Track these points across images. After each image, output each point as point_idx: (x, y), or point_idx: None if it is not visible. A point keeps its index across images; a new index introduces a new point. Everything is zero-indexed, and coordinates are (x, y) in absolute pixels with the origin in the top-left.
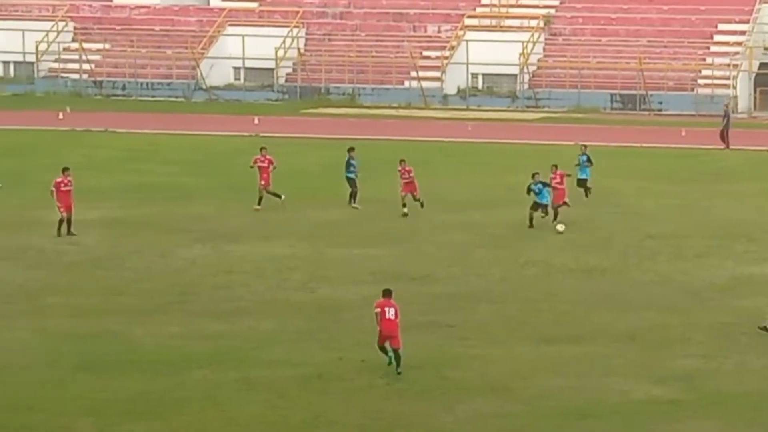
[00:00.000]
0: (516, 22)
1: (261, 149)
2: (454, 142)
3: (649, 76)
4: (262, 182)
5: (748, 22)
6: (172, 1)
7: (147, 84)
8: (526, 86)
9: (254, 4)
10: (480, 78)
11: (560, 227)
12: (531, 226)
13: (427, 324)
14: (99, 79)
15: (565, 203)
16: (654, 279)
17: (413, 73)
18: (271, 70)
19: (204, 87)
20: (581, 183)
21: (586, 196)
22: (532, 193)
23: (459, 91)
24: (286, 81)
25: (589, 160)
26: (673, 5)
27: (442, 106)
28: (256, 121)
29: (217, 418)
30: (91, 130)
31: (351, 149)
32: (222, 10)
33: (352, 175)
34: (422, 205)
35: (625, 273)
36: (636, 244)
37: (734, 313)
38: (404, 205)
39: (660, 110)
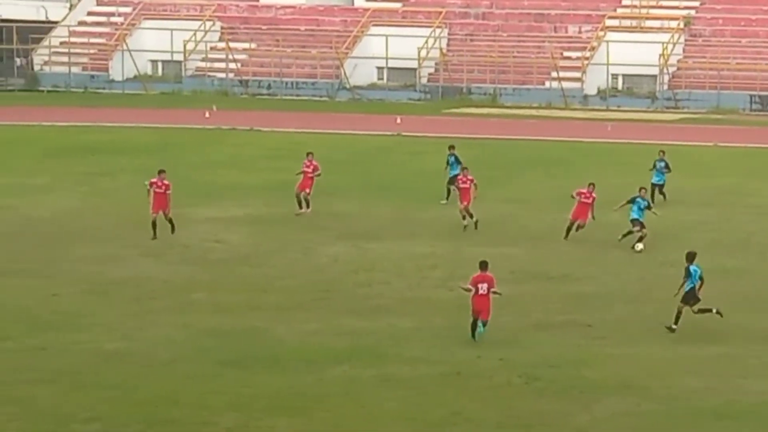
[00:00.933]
0: (656, 23)
1: (308, 154)
2: (593, 143)
3: None
4: (307, 189)
5: None
6: (317, 1)
7: (292, 83)
8: (665, 87)
9: (398, 5)
10: (620, 78)
11: (639, 246)
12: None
13: (565, 323)
14: (245, 78)
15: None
16: None
17: (554, 74)
18: (414, 69)
19: (347, 86)
20: (655, 187)
21: (664, 198)
22: (632, 205)
23: (599, 91)
24: (428, 81)
25: (667, 166)
26: None
27: (582, 106)
28: (399, 121)
29: (356, 414)
30: (237, 128)
31: (451, 147)
32: (366, 10)
33: (453, 173)
34: (476, 226)
35: (762, 274)
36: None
37: None
38: (464, 218)
39: None
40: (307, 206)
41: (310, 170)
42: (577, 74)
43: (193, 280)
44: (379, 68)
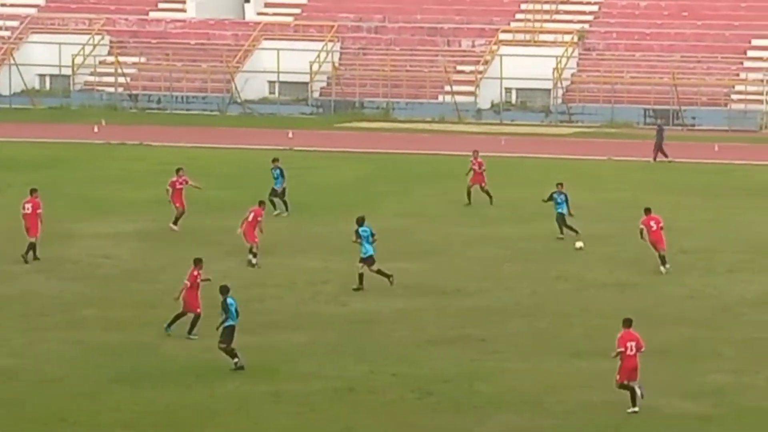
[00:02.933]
0: (550, 37)
1: (177, 170)
2: (487, 157)
3: (682, 91)
4: (178, 204)
5: None
6: (207, 14)
7: (182, 97)
8: (559, 101)
9: (289, 18)
10: (513, 92)
11: (579, 244)
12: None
13: (459, 338)
14: (134, 92)
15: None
16: (686, 294)
17: (447, 88)
18: (306, 83)
19: (239, 101)
20: (560, 218)
21: (561, 232)
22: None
23: (492, 105)
24: (321, 95)
25: (566, 200)
26: (706, 21)
27: (475, 120)
28: (291, 135)
29: (248, 430)
30: (126, 143)
31: (275, 159)
32: (257, 23)
33: (278, 186)
34: (254, 261)
35: (657, 288)
36: (668, 259)
37: (766, 328)
38: (254, 255)
39: (693, 125)
40: (175, 223)
41: (181, 186)
42: (471, 88)
43: (83, 296)
44: (271, 82)
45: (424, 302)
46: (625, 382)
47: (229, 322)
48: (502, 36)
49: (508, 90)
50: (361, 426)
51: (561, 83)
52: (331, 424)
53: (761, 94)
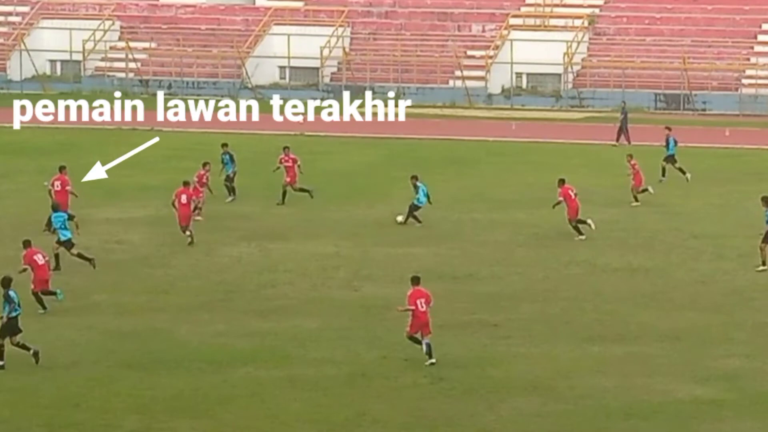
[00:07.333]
0: (560, 22)
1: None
2: (498, 142)
3: (693, 75)
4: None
5: None
6: (218, 0)
7: (193, 83)
8: (570, 86)
9: (300, 3)
10: (524, 77)
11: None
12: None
13: (471, 323)
14: (145, 77)
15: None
16: (697, 278)
17: (458, 73)
18: (316, 69)
19: (249, 86)
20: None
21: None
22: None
23: (503, 90)
24: (331, 80)
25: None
26: (717, 5)
27: (486, 105)
28: (302, 120)
29: (261, 415)
30: (137, 128)
31: (224, 144)
32: (267, 9)
33: (229, 172)
34: (190, 241)
35: (668, 273)
36: (679, 244)
37: None
38: (189, 235)
39: (704, 110)
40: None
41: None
42: (481, 73)
43: (95, 281)
44: (281, 68)
45: (436, 287)
46: (415, 335)
47: (15, 312)
48: (513, 21)
49: (519, 75)
50: (373, 411)
51: (571, 68)
52: (343, 409)
53: None
